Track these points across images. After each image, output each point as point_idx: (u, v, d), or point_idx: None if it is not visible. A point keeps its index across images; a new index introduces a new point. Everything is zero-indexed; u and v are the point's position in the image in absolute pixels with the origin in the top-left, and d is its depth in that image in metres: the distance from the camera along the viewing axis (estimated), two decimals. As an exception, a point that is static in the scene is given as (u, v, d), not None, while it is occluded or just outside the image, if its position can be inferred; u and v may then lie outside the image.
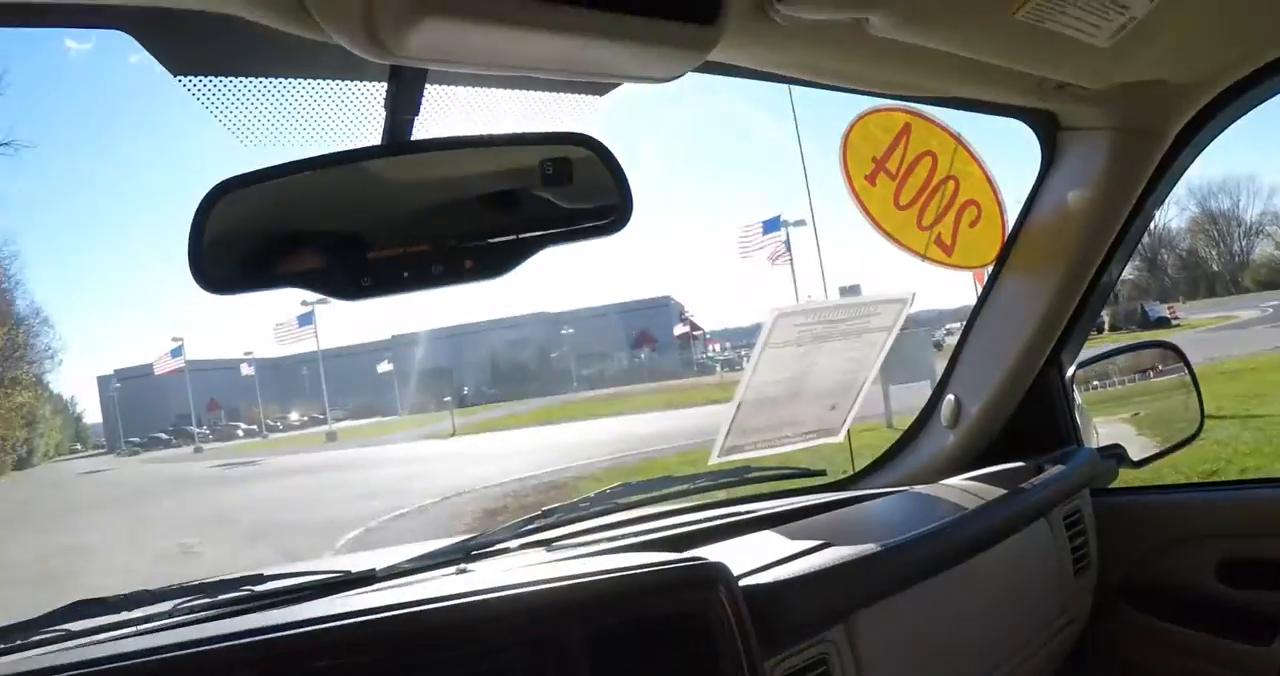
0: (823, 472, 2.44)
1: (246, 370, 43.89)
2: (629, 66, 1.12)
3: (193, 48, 1.17)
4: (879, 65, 1.59)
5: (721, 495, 2.26)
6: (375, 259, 1.26)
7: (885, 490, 2.35)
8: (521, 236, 1.33)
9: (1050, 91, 1.87)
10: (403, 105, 1.26)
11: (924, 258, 2.47)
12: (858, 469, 2.69)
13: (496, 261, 1.31)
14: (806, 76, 1.65)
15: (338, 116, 1.30)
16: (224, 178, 1.22)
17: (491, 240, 1.32)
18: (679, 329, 47.57)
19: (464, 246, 1.30)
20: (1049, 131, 2.21)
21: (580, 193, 1.34)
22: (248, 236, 1.25)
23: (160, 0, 1.04)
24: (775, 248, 26.18)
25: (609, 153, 1.36)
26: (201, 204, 1.20)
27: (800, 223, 24.93)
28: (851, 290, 19.54)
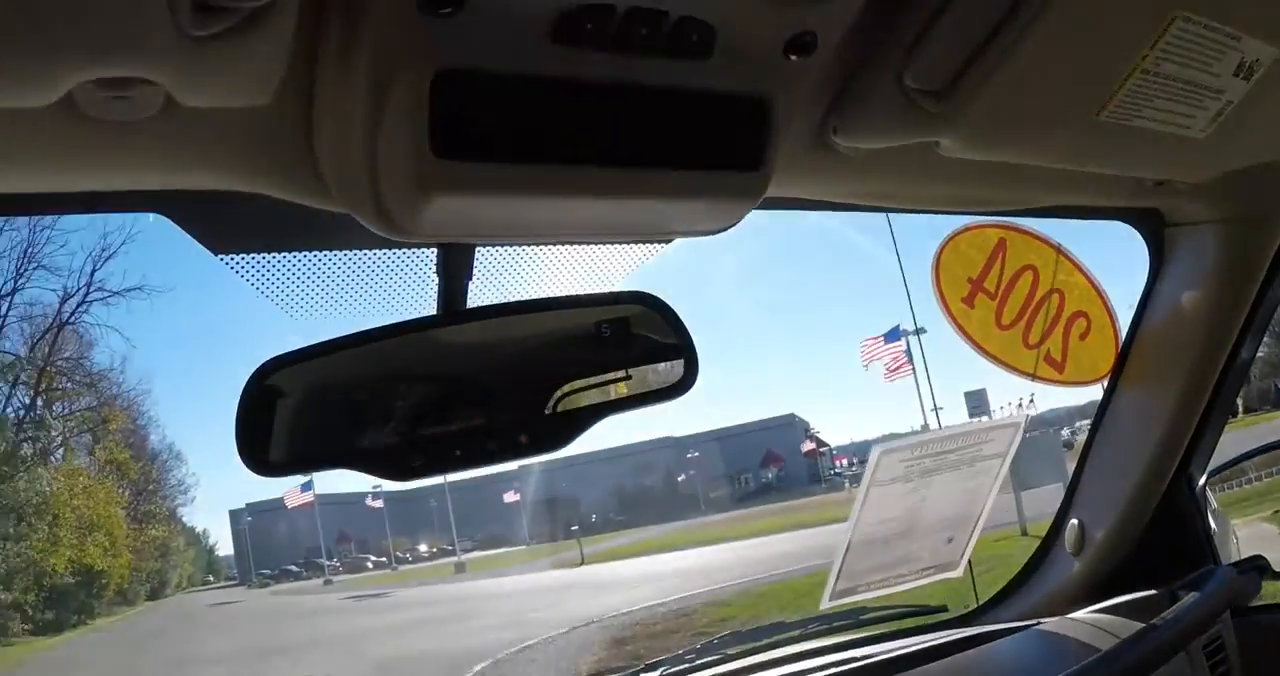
0: (943, 609, 2.31)
1: (375, 503, 44.43)
2: (674, 223, 1.06)
3: (231, 226, 1.15)
4: (957, 185, 1.49)
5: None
6: (426, 436, 1.20)
7: (1010, 625, 2.20)
8: (579, 407, 1.26)
9: (1150, 190, 1.76)
10: (454, 270, 1.21)
11: (1034, 377, 2.35)
12: (987, 591, 2.54)
13: (553, 434, 1.24)
14: (880, 204, 1.56)
15: (388, 285, 1.27)
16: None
17: (547, 412, 1.25)
18: (805, 446, 46.89)
19: (519, 419, 1.24)
20: (1155, 230, 2.10)
21: (641, 355, 1.27)
22: (296, 415, 1.20)
23: (188, 183, 1.03)
24: (896, 356, 25.97)
25: (670, 310, 1.28)
26: (249, 382, 1.15)
27: (921, 330, 24.66)
28: (976, 395, 19.13)
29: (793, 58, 0.95)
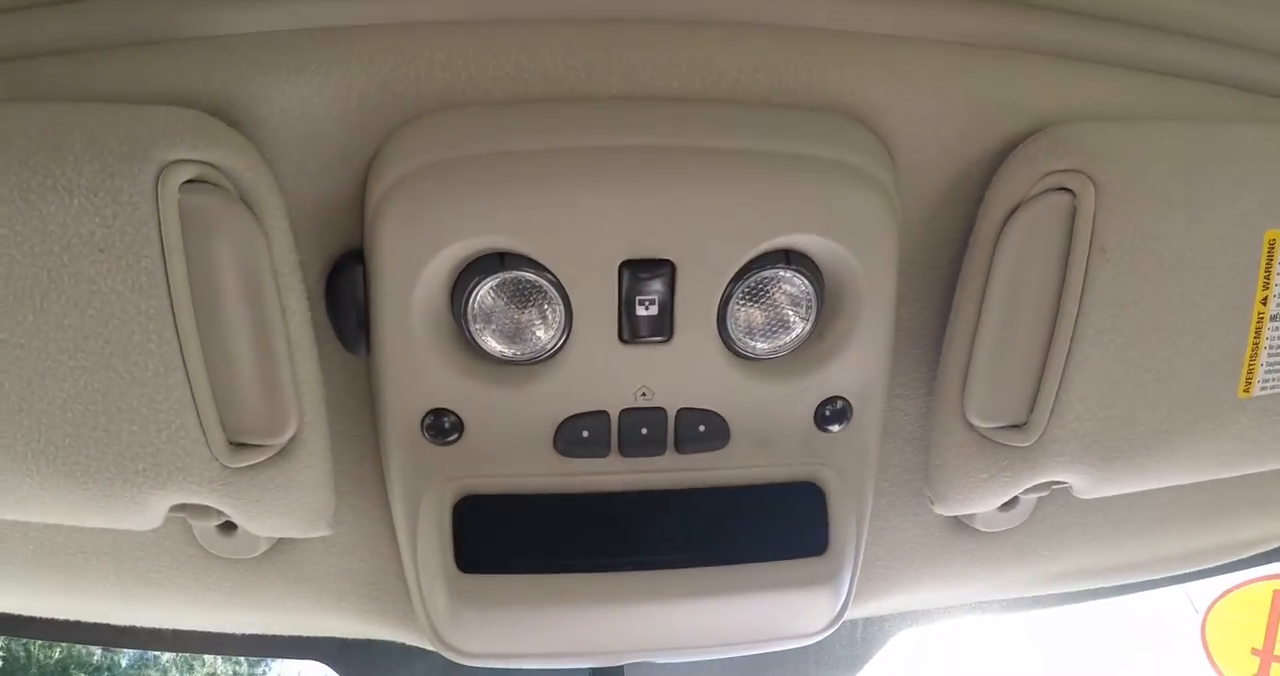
0: None
1: None
2: (747, 624, 0.96)
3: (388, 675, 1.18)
4: (1152, 537, 1.17)
5: None
6: None
7: None
8: None
9: None
10: None
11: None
12: None
13: None
14: (1075, 586, 1.26)
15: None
16: None
17: None
18: None
19: None
20: None
21: None
22: None
23: (320, 628, 1.07)
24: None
25: None
26: None
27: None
28: None
29: (831, 429, 0.89)
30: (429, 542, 0.88)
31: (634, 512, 0.90)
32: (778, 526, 0.92)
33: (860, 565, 0.96)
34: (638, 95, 0.79)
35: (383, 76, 0.77)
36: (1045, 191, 0.81)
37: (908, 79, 0.83)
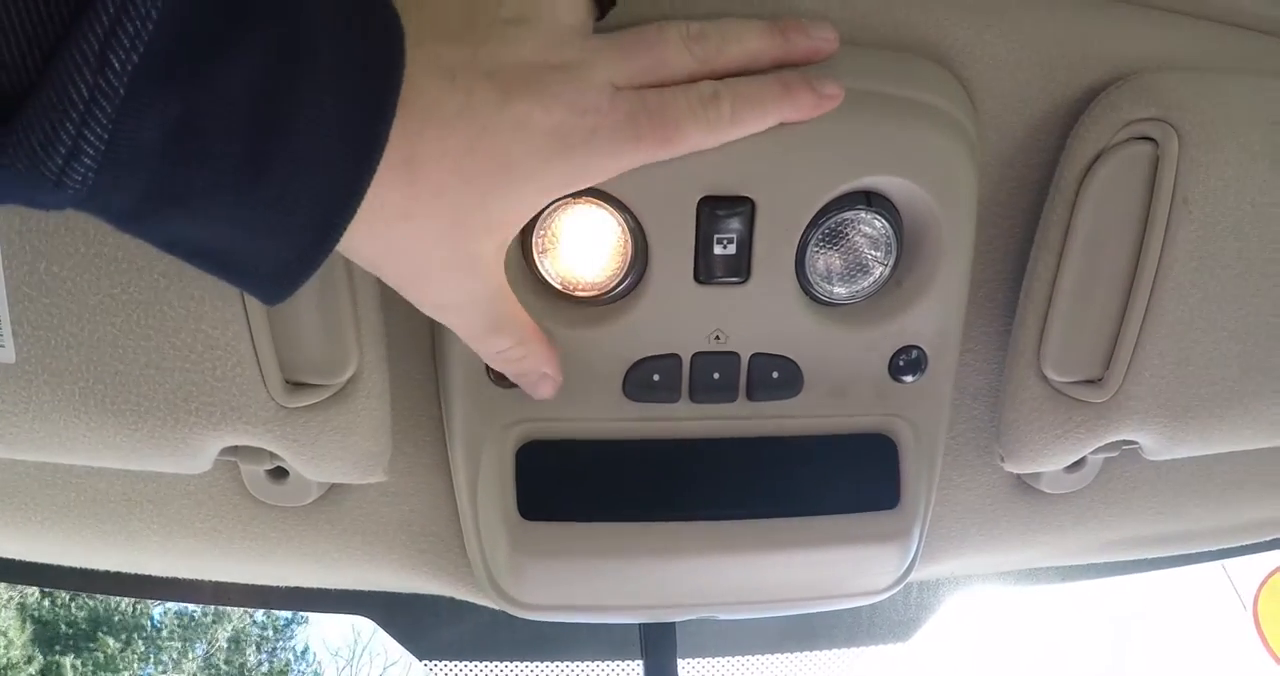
0: None
1: None
2: (815, 578, 0.93)
3: (435, 632, 1.16)
4: (1230, 506, 1.13)
5: None
6: None
7: None
8: None
9: None
10: (658, 647, 1.15)
11: None
12: None
13: None
14: (1133, 554, 1.22)
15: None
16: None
17: None
18: None
19: None
20: None
21: None
22: None
23: (368, 582, 1.04)
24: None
25: None
26: None
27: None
28: None
29: (906, 380, 0.86)
30: (490, 489, 0.86)
31: (702, 461, 0.88)
32: (848, 479, 0.90)
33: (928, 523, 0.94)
34: None
35: None
36: (1127, 140, 0.79)
37: (991, 22, 0.80)
